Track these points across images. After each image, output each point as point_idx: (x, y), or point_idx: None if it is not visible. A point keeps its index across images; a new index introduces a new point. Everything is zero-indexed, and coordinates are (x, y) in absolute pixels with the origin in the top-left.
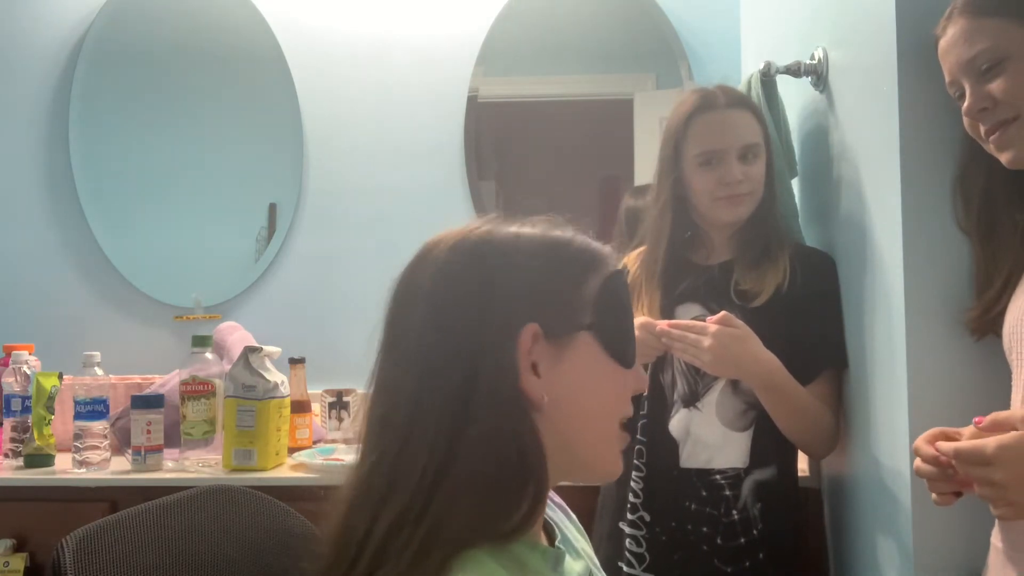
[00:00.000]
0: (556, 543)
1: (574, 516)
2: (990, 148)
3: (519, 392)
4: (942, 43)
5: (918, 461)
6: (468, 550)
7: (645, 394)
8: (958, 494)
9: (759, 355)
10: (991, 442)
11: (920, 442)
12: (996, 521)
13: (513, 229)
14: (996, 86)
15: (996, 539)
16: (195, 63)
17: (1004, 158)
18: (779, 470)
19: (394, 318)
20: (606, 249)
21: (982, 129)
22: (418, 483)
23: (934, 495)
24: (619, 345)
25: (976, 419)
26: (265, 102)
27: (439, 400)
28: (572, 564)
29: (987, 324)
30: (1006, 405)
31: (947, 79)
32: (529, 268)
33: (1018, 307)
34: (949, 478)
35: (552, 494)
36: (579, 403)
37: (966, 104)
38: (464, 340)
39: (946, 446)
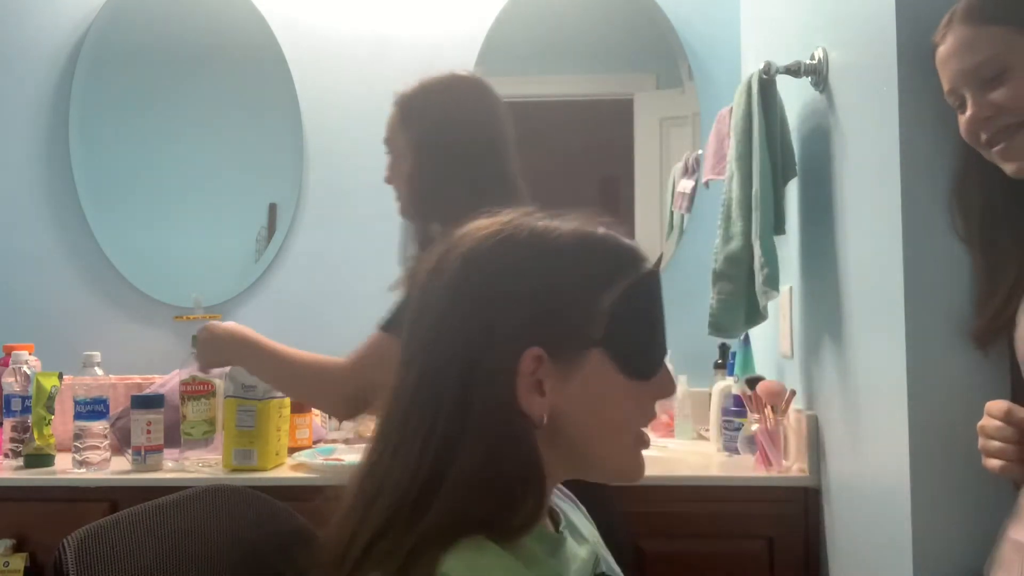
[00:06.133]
0: (560, 529)
1: (582, 507)
2: (993, 158)
3: (517, 412)
4: (941, 51)
5: (982, 440)
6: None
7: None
8: None
9: None
10: None
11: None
12: (1021, 517)
13: (541, 228)
14: (1000, 95)
15: (1018, 535)
16: (195, 63)
17: (1009, 169)
18: None
19: (413, 312)
20: (637, 250)
21: (983, 138)
22: (407, 489)
23: (996, 462)
24: (636, 358)
25: None
26: (265, 102)
27: (433, 410)
28: (576, 549)
29: (993, 335)
30: None
31: (946, 88)
32: (544, 280)
33: None
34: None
35: (560, 486)
36: (588, 419)
37: (969, 114)
38: (465, 354)
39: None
